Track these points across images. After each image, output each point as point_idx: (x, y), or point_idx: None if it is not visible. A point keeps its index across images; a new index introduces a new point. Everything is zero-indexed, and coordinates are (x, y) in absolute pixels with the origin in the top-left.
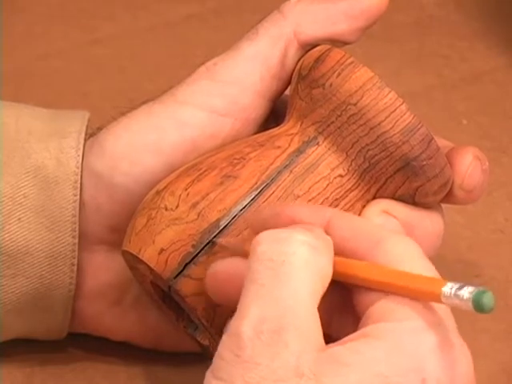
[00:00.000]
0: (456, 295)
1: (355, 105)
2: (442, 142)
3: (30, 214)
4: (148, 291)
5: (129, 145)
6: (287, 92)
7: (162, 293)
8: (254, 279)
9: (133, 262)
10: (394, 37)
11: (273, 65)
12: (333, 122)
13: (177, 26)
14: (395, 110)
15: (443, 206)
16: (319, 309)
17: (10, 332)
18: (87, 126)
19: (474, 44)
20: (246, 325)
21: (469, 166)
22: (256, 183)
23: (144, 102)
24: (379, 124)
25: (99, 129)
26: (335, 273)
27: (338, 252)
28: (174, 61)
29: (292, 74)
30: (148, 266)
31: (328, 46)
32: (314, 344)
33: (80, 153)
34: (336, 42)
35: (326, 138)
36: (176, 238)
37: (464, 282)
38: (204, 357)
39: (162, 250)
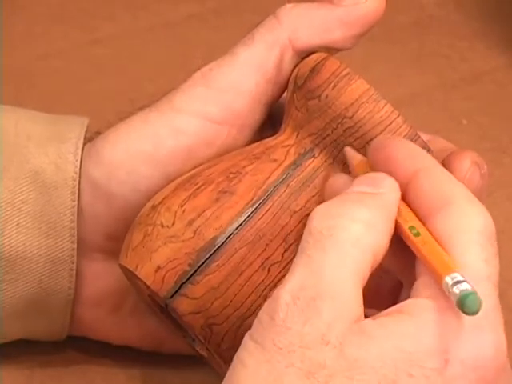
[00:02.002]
0: (451, 289)
1: (351, 118)
2: (442, 143)
3: (28, 220)
4: (146, 301)
5: (126, 153)
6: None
7: (160, 306)
8: (303, 250)
9: (130, 275)
10: (394, 37)
11: (268, 70)
12: (329, 135)
13: (177, 26)
14: (391, 123)
15: None
16: (390, 256)
17: (10, 335)
18: (86, 132)
19: (474, 44)
20: (285, 290)
21: (467, 172)
22: (252, 199)
23: (141, 109)
24: (375, 137)
25: (97, 133)
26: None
27: (413, 205)
28: (173, 61)
29: (288, 80)
30: (145, 283)
31: (324, 55)
32: (347, 315)
33: (78, 158)
34: (331, 49)
35: (322, 151)
36: (172, 257)
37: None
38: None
39: (159, 267)
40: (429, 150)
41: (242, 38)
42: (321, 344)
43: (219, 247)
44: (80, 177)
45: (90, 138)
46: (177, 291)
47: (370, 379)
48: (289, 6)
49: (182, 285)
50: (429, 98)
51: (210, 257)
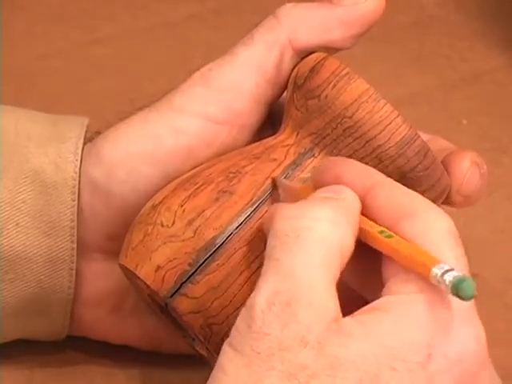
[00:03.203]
0: (441, 278)
1: (351, 118)
2: (442, 143)
3: (28, 219)
4: (146, 301)
5: (125, 153)
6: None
7: (160, 306)
8: (270, 254)
9: (130, 275)
10: (394, 37)
11: (268, 70)
12: (328, 135)
13: (177, 26)
14: (391, 122)
15: (442, 207)
16: (353, 269)
17: (10, 335)
18: (86, 132)
19: (474, 44)
20: (259, 297)
21: (466, 172)
22: (252, 199)
23: (140, 109)
24: (375, 137)
25: (97, 133)
26: (361, 237)
27: (373, 219)
28: (174, 61)
29: (288, 79)
30: (145, 282)
31: (323, 55)
32: (324, 316)
33: (78, 158)
34: (331, 49)
35: (321, 150)
36: (172, 256)
37: None
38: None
39: (159, 267)
40: (428, 150)
41: (242, 38)
42: (300, 346)
43: (219, 247)
44: (80, 176)
45: (90, 137)
46: (177, 291)
47: (352, 376)
48: (288, 5)
49: (181, 284)
50: (429, 98)
51: (209, 256)
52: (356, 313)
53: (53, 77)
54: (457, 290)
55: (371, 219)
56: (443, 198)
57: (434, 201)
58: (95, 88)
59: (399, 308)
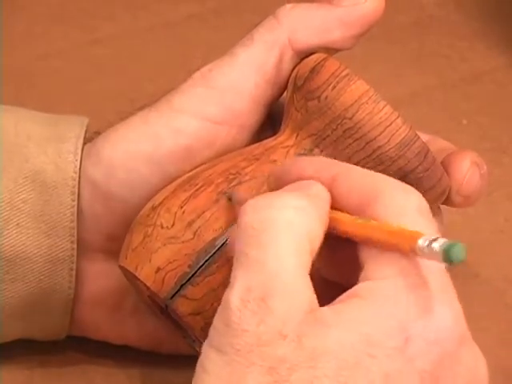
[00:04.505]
0: (429, 248)
1: (351, 119)
2: (442, 143)
3: (28, 220)
4: (146, 302)
5: (125, 153)
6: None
7: (160, 307)
8: (239, 250)
9: (130, 276)
10: (393, 37)
11: (268, 71)
12: (328, 136)
13: (177, 26)
14: (391, 124)
15: (442, 206)
16: (329, 261)
17: (10, 334)
18: (86, 132)
19: (474, 44)
20: (233, 295)
21: (466, 173)
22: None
23: (140, 109)
24: (375, 138)
25: (97, 133)
26: (332, 229)
27: (341, 208)
28: (173, 61)
29: (288, 80)
30: (145, 284)
31: (323, 56)
32: (300, 307)
33: (78, 158)
34: (331, 50)
35: (321, 151)
36: (172, 258)
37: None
38: None
39: (159, 268)
40: (428, 151)
41: (242, 39)
42: (278, 339)
43: (219, 248)
44: (80, 177)
45: (90, 137)
46: (177, 292)
47: (332, 366)
48: (288, 6)
49: (181, 286)
50: (429, 98)
51: (209, 258)
52: (333, 302)
53: (53, 77)
54: (448, 254)
55: (340, 210)
56: (443, 199)
57: (434, 201)
58: (95, 88)
59: (374, 294)
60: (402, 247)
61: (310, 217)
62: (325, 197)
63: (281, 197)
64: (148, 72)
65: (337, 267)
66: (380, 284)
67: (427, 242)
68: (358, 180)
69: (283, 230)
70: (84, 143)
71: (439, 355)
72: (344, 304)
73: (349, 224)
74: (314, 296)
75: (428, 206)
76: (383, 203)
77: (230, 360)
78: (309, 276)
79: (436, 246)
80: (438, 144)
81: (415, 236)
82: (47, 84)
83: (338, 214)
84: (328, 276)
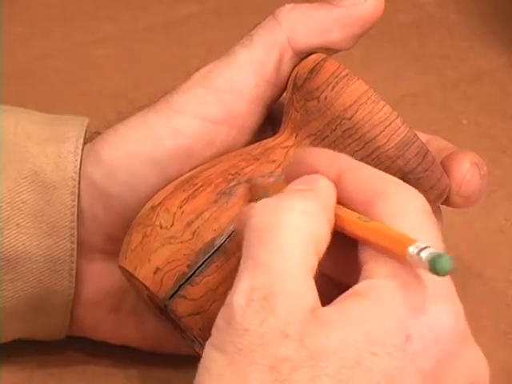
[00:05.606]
0: (418, 256)
1: (350, 119)
2: (442, 143)
3: (28, 220)
4: (145, 302)
5: (125, 154)
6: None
7: (159, 307)
8: (247, 250)
9: (129, 276)
10: (393, 37)
11: (267, 71)
12: (328, 136)
13: (177, 26)
14: (390, 124)
15: (442, 207)
16: (331, 258)
17: (10, 334)
18: (86, 132)
19: (474, 44)
20: (237, 294)
21: (466, 173)
22: (251, 201)
23: (140, 109)
24: (374, 138)
25: (97, 133)
26: (335, 226)
27: (346, 204)
28: (173, 61)
29: (287, 80)
30: (144, 284)
31: (323, 56)
32: (302, 307)
33: (78, 158)
34: (330, 50)
35: None
36: (171, 258)
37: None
38: None
39: (158, 269)
40: (427, 151)
41: (242, 39)
42: (280, 339)
43: (218, 248)
44: (80, 178)
45: (90, 138)
46: (175, 292)
47: (333, 365)
48: (288, 6)
49: (180, 286)
50: (429, 98)
51: (208, 258)
52: (335, 301)
53: (53, 77)
54: (434, 265)
55: (345, 205)
56: (443, 199)
57: (433, 201)
58: (95, 88)
59: (375, 292)
60: (396, 252)
61: (317, 220)
62: (331, 194)
63: (289, 199)
64: (148, 72)
65: (339, 264)
66: (380, 282)
67: (416, 251)
68: (366, 177)
69: (290, 233)
70: (84, 143)
71: (440, 353)
72: (344, 303)
73: (350, 222)
74: (317, 297)
75: (430, 207)
76: (388, 202)
77: (232, 359)
78: (313, 278)
79: (424, 255)
80: (437, 144)
81: (407, 242)
82: (47, 84)
83: (342, 211)
84: (329, 273)
